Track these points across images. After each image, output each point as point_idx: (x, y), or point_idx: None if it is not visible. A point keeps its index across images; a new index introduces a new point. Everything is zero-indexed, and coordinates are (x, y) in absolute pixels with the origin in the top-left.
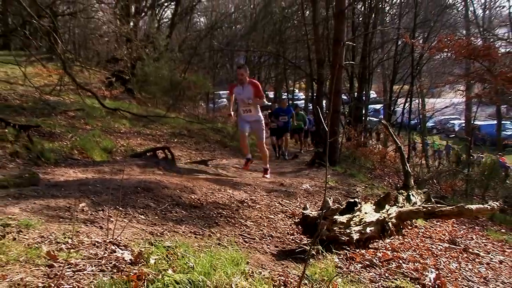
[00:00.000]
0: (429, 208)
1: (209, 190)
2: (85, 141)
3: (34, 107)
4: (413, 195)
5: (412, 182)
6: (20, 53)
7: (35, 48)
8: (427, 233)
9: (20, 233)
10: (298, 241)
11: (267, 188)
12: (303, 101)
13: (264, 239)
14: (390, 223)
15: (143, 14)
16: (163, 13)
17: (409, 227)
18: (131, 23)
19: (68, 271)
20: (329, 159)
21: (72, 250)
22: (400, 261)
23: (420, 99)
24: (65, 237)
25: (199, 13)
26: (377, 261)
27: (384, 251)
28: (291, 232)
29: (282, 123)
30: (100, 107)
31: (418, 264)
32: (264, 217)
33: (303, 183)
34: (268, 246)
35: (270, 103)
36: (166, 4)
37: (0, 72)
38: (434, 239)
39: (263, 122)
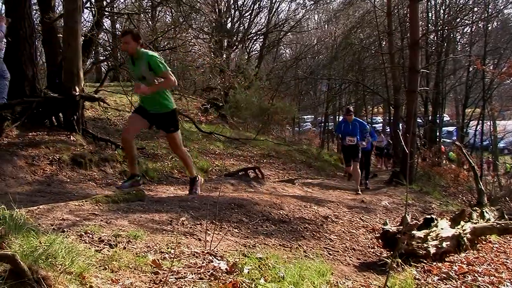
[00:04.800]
0: (503, 224)
1: (296, 207)
2: None
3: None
4: (486, 212)
5: (486, 200)
6: (127, 84)
7: None
8: (501, 248)
9: (129, 243)
10: (379, 254)
11: (349, 205)
12: (380, 125)
13: (347, 252)
14: (465, 238)
15: (234, 47)
16: (252, 46)
17: (483, 243)
18: (224, 56)
19: (171, 278)
20: (406, 178)
21: (174, 259)
22: (476, 275)
23: (491, 122)
24: (168, 248)
25: (284, 45)
26: (453, 274)
27: (460, 264)
28: (372, 245)
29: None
30: (196, 131)
31: (493, 278)
32: (347, 232)
33: (382, 200)
34: (351, 259)
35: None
36: (255, 38)
37: (110, 100)
38: (508, 254)
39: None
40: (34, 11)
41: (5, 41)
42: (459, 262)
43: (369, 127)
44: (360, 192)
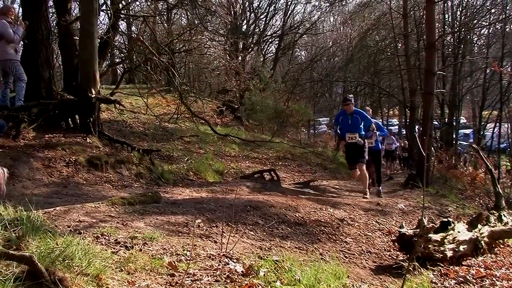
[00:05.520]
0: None
1: (312, 209)
2: (199, 163)
3: (155, 133)
4: (504, 215)
5: (503, 203)
6: (143, 86)
7: (156, 81)
8: None
9: (145, 245)
10: (395, 257)
11: (365, 208)
12: (396, 127)
13: (362, 255)
14: (482, 242)
15: (250, 49)
16: (268, 48)
17: (501, 246)
18: (239, 58)
19: (187, 280)
20: (422, 181)
21: (190, 262)
22: (494, 279)
23: (509, 124)
24: (183, 250)
25: (300, 47)
26: (471, 278)
27: (477, 268)
28: (388, 248)
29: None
30: (212, 133)
31: None
32: (363, 234)
33: (398, 203)
34: (367, 262)
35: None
36: (270, 40)
37: (126, 103)
38: None
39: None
40: (51, 14)
41: (22, 43)
42: (477, 266)
43: (374, 122)
44: (367, 196)
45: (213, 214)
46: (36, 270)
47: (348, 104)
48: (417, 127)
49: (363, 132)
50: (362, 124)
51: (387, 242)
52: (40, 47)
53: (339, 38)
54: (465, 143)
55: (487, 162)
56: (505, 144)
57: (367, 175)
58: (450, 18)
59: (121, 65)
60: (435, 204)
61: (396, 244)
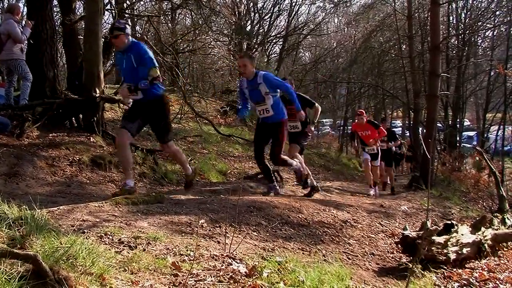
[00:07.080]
0: None
1: (315, 210)
2: (203, 164)
3: None
4: (508, 218)
5: (507, 206)
6: None
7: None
8: None
9: (149, 244)
10: (398, 259)
11: (368, 209)
12: (400, 129)
13: (366, 257)
14: (486, 245)
15: (254, 50)
16: (272, 48)
17: (505, 249)
18: None
19: (191, 280)
20: (425, 183)
21: (194, 262)
22: (497, 282)
23: None
24: (187, 250)
25: (304, 48)
26: (474, 281)
27: (481, 271)
28: (391, 250)
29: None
30: (215, 133)
31: None
32: (366, 236)
33: (401, 205)
34: (370, 263)
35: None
36: (274, 40)
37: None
38: None
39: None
40: (55, 13)
41: (27, 43)
42: (480, 268)
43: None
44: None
45: (216, 215)
46: (40, 269)
47: (117, 36)
48: (420, 128)
49: (149, 82)
50: (142, 69)
51: (390, 244)
52: (45, 46)
53: (343, 39)
54: (468, 145)
55: (491, 165)
56: (509, 147)
57: (180, 158)
58: (454, 20)
59: None
60: (438, 206)
61: (399, 246)
